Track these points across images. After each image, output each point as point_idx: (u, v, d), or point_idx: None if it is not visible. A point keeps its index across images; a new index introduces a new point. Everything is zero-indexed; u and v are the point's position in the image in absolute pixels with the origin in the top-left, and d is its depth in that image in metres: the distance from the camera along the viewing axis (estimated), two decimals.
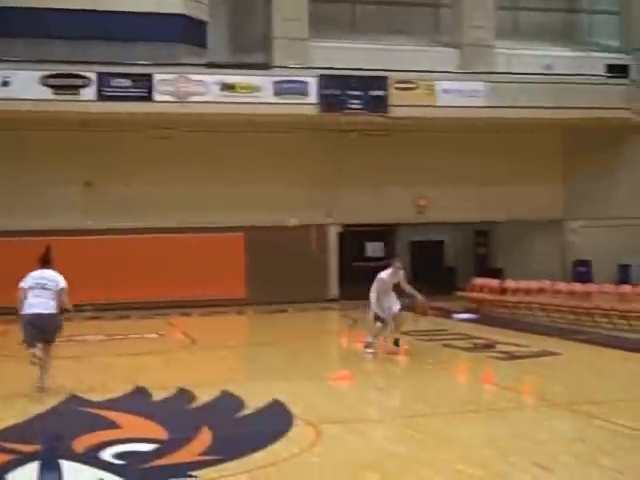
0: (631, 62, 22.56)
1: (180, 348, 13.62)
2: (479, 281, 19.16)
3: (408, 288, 12.15)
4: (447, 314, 17.13)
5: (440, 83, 20.65)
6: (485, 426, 7.52)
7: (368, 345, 11.84)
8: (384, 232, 24.66)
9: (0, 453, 6.50)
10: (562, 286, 17.17)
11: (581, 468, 6.05)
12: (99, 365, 11.74)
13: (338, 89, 20.18)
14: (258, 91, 19.75)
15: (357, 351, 12.21)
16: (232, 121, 20.13)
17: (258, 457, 6.39)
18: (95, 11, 20.03)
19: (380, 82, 20.34)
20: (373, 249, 25.07)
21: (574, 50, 23.82)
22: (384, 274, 12.01)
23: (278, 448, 6.65)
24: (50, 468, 6.16)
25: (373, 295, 11.97)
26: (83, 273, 19.47)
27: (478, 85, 20.88)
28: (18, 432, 7.33)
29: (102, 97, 18.98)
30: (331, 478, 6.06)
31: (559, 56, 23.32)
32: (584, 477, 5.90)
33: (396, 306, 11.94)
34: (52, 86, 18.69)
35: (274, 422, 7.55)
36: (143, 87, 19.33)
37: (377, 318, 11.93)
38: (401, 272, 12.20)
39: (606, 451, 6.42)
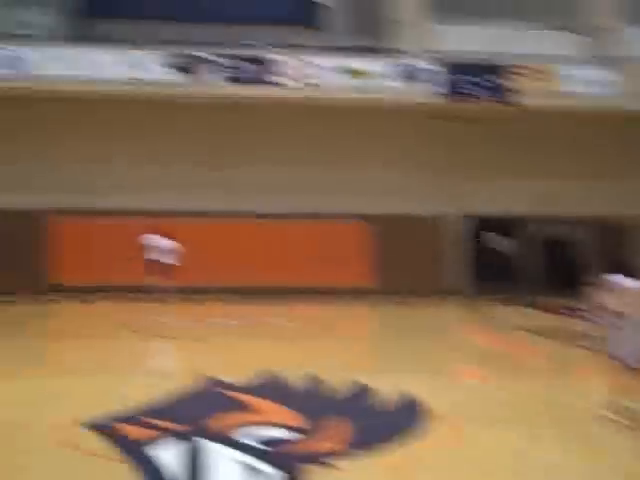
0: None
1: (309, 336, 13.75)
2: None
3: None
4: None
5: (570, 70, 19.85)
6: None
7: None
8: (512, 226, 24.07)
9: (146, 429, 6.77)
10: None
11: None
12: (233, 349, 11.98)
13: (464, 75, 19.73)
14: (379, 76, 19.52)
15: (489, 348, 12.00)
16: (353, 107, 19.99)
17: (395, 450, 6.37)
18: None
19: (509, 69, 19.77)
20: (501, 243, 24.52)
21: None
22: None
23: (415, 443, 6.60)
24: (192, 446, 6.33)
25: None
26: (213, 257, 20.08)
27: (610, 74, 19.96)
28: (161, 410, 7.59)
29: (225, 79, 19.19)
30: (467, 477, 5.97)
31: None
32: None
33: None
34: (174, 67, 19.09)
35: (411, 416, 7.49)
36: (264, 70, 19.44)
37: None
38: None
39: None
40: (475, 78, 19.60)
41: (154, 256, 18.20)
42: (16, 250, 19.41)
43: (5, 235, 19.39)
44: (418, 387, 8.57)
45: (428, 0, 20.87)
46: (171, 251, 18.34)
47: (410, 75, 19.51)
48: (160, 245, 18.30)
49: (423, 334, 14.27)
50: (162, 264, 18.20)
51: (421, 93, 19.40)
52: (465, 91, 19.50)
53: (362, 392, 8.52)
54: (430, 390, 8.57)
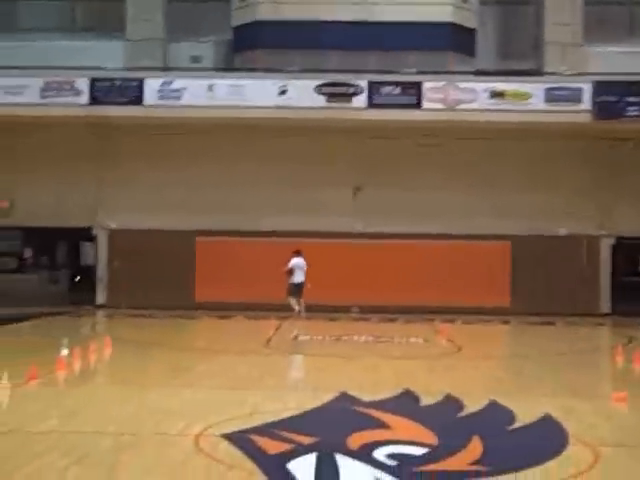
0: None
1: (446, 355, 13.60)
2: None
3: None
4: None
5: None
6: None
7: None
8: None
9: (280, 442, 6.89)
10: None
11: None
12: (367, 365, 12.00)
13: (614, 95, 19.19)
14: (528, 98, 19.31)
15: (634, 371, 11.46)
16: (501, 129, 19.82)
17: (531, 474, 6.19)
18: (367, 22, 20.78)
19: None
20: None
21: None
22: None
23: (553, 466, 6.39)
24: (327, 461, 6.39)
25: None
26: (351, 275, 20.28)
27: None
28: (296, 423, 7.70)
29: (372, 105, 19.60)
30: None
31: None
32: None
33: None
34: (326, 94, 19.63)
35: (548, 439, 7.27)
36: (412, 94, 19.66)
37: None
38: None
39: None
40: (627, 98, 19.04)
41: (296, 276, 18.58)
42: (169, 267, 20.44)
43: (161, 253, 20.44)
44: (556, 408, 8.31)
45: (578, 21, 20.53)
46: (305, 270, 18.67)
47: (558, 97, 19.19)
48: (299, 264, 18.66)
49: (564, 355, 13.84)
50: (300, 283, 18.55)
51: (570, 115, 19.04)
52: (616, 111, 18.96)
53: (496, 412, 8.35)
54: (568, 412, 8.29)
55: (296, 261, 18.63)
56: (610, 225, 20.81)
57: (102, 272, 21.18)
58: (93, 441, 6.88)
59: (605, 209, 20.78)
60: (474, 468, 6.30)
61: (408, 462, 6.38)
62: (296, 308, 18.47)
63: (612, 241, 21.00)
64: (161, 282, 20.27)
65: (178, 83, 19.77)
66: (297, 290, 18.54)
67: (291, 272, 18.53)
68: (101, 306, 21.08)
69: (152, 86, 19.71)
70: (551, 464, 6.43)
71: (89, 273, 21.62)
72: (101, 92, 19.79)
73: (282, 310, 18.62)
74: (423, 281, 20.38)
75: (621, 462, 6.71)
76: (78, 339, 13.32)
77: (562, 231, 20.62)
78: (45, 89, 19.76)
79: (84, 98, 19.73)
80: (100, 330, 18.49)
